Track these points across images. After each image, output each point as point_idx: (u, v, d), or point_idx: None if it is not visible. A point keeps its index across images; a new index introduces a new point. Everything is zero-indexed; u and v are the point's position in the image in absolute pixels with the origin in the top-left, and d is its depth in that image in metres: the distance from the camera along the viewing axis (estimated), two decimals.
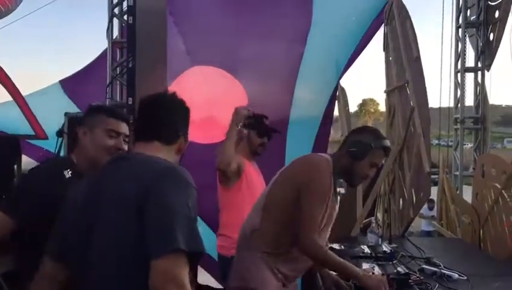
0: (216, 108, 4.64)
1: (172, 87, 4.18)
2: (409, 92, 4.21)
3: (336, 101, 5.25)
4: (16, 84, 4.07)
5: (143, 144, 1.54)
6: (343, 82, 5.14)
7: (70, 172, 1.85)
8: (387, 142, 2.25)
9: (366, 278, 2.08)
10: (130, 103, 3.44)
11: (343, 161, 2.22)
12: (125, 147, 1.92)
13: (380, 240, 3.00)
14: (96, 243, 1.40)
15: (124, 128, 1.93)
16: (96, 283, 1.40)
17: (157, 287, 1.24)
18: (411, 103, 4.11)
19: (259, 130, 3.12)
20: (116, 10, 3.86)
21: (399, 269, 2.42)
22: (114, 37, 3.92)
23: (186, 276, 1.28)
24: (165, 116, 1.57)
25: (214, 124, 4.44)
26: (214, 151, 3.02)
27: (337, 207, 2.28)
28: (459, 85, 6.05)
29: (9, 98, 4.02)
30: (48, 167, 1.93)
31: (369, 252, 2.80)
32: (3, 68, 4.02)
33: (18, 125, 4.05)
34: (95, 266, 1.40)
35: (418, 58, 3.90)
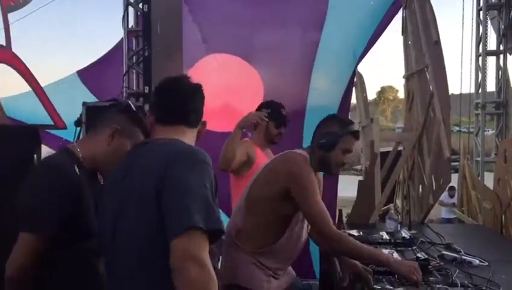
0: (232, 96, 4.64)
1: None
2: (428, 76, 4.13)
3: (354, 88, 5.19)
4: (34, 75, 4.12)
5: (168, 128, 1.56)
6: (361, 69, 5.08)
7: (78, 170, 1.74)
8: (354, 127, 2.30)
9: (397, 263, 2.06)
10: (146, 91, 3.45)
11: (316, 154, 2.26)
12: None
13: (399, 226, 2.97)
14: (120, 234, 1.43)
15: None
16: (121, 273, 1.43)
17: (176, 267, 1.24)
18: (430, 87, 4.03)
19: (278, 120, 3.11)
20: None
21: (418, 255, 2.39)
22: (130, 26, 3.92)
23: (206, 254, 1.27)
24: (190, 100, 1.59)
25: (230, 112, 4.43)
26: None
27: None
28: (480, 69, 5.91)
29: (28, 88, 4.07)
30: (58, 167, 1.71)
31: (388, 238, 2.77)
32: (22, 60, 4.07)
33: (37, 115, 4.11)
34: (119, 258, 1.43)
35: (438, 42, 3.82)
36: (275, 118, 3.11)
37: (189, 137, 1.58)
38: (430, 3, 4.11)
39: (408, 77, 4.89)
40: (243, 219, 2.27)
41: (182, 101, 1.58)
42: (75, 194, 1.66)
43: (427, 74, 4.17)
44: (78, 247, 1.70)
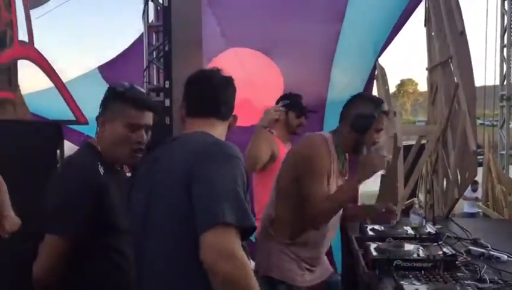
0: (252, 90, 4.61)
1: None
2: (452, 68, 4.05)
3: (375, 81, 5.12)
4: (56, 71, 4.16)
5: (199, 121, 1.55)
6: (380, 61, 5.00)
7: (102, 167, 1.70)
8: (386, 106, 2.24)
9: (363, 169, 2.11)
10: (167, 86, 3.46)
11: (349, 136, 2.21)
12: (146, 138, 1.76)
13: (423, 221, 2.91)
14: (148, 230, 1.42)
15: (147, 118, 1.76)
16: (150, 259, 1.43)
17: (207, 261, 1.23)
18: (455, 79, 3.94)
19: (297, 110, 3.09)
20: None
21: (445, 250, 2.33)
22: (150, 21, 3.93)
23: (239, 247, 1.26)
24: (222, 92, 1.58)
25: (250, 106, 4.41)
26: (250, 134, 3.00)
27: (344, 179, 2.32)
28: (506, 60, 5.78)
29: (51, 84, 4.11)
30: (82, 167, 1.70)
31: (412, 233, 2.71)
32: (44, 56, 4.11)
33: (60, 111, 4.15)
34: (149, 255, 1.43)
35: (463, 32, 3.73)
36: (294, 108, 3.11)
37: (219, 130, 1.55)
38: None
39: (431, 69, 4.80)
40: (274, 208, 2.26)
41: (213, 93, 1.56)
42: (98, 194, 1.65)
43: (451, 65, 4.08)
44: (101, 246, 1.69)
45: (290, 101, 3.12)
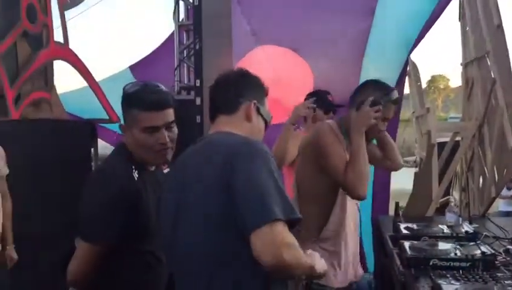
0: (281, 87, 4.58)
1: None
2: (489, 63, 3.93)
3: (407, 77, 5.03)
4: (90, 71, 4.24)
5: (214, 123, 1.56)
6: (412, 57, 4.90)
7: (136, 171, 1.68)
8: (396, 94, 2.20)
9: (357, 122, 2.10)
10: (197, 84, 3.48)
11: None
12: (168, 137, 1.67)
13: (460, 219, 2.84)
14: (184, 226, 1.41)
15: (164, 117, 1.65)
16: (180, 260, 1.43)
17: (267, 257, 1.23)
18: (492, 74, 3.83)
19: (325, 106, 3.09)
20: None
21: (483, 249, 2.27)
22: (180, 20, 3.96)
23: (293, 237, 1.28)
24: (221, 87, 1.57)
25: (279, 104, 4.39)
26: (277, 132, 2.99)
27: None
28: None
29: (84, 84, 4.19)
30: (115, 176, 1.65)
31: (449, 232, 2.65)
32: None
33: (94, 110, 4.23)
34: (179, 246, 1.43)
35: (500, 26, 3.62)
36: (322, 105, 3.11)
37: (234, 125, 1.51)
38: None
39: (466, 65, 4.68)
40: (297, 206, 2.24)
41: (219, 92, 1.57)
42: (132, 201, 1.64)
43: (487, 60, 3.96)
44: (134, 249, 1.69)
45: (317, 98, 3.12)
